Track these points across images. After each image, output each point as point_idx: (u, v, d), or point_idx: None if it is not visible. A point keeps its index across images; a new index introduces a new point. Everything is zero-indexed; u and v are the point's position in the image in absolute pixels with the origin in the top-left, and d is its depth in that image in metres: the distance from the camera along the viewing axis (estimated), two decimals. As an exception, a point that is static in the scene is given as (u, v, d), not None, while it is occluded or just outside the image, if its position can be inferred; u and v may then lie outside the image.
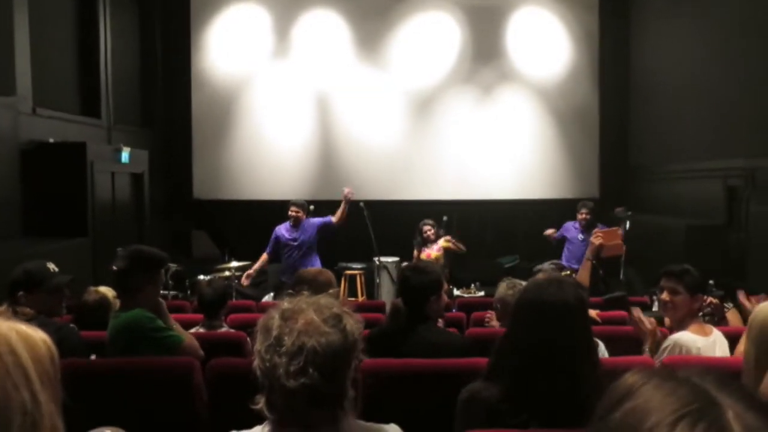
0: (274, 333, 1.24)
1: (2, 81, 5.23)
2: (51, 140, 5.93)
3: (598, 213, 6.77)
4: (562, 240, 6.78)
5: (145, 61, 8.87)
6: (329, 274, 3.15)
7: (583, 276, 3.50)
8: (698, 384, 0.61)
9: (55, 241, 5.36)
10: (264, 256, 6.26)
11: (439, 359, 2.53)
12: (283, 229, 6.26)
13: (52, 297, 2.76)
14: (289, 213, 6.18)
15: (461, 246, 6.39)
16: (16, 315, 2.56)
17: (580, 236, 6.46)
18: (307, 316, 1.25)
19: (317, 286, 2.70)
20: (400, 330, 2.76)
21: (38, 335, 0.59)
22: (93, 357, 2.86)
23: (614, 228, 5.97)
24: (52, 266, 2.84)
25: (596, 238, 3.94)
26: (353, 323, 1.29)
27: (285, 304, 1.30)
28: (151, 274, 2.72)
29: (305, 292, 1.36)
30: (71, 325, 3.16)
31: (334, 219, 6.18)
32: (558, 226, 6.93)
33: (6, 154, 5.33)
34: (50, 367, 0.57)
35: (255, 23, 9.23)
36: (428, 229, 6.35)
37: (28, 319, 2.39)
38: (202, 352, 2.74)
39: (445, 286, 2.93)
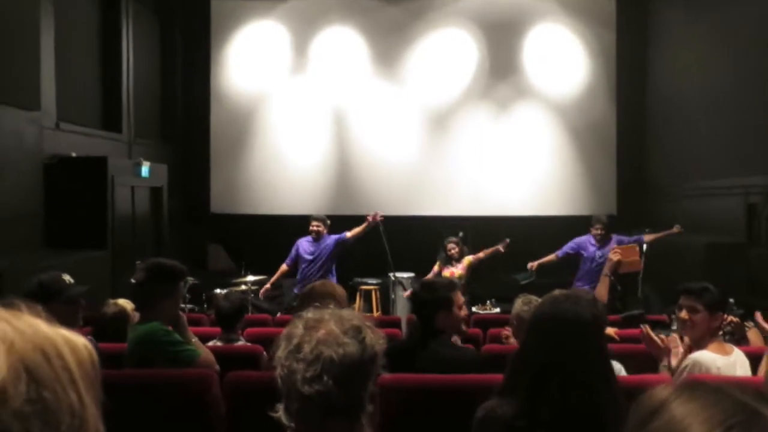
0: (295, 341, 1.27)
1: (27, 96, 5.35)
2: (73, 154, 6.05)
3: (615, 230, 6.62)
4: (576, 256, 6.49)
5: (166, 77, 9.04)
6: (331, 286, 2.92)
7: (602, 292, 3.48)
8: (738, 396, 0.60)
9: (75, 253, 5.44)
10: (283, 267, 6.35)
11: (455, 375, 2.52)
12: (304, 242, 6.31)
13: (68, 308, 2.71)
14: (311, 228, 6.22)
15: (489, 251, 6.30)
16: None
17: (599, 253, 6.24)
18: (328, 326, 1.28)
19: (319, 297, 2.58)
20: (415, 345, 2.77)
21: (80, 340, 0.60)
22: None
23: (632, 245, 5.92)
24: (67, 277, 2.82)
25: (614, 254, 3.91)
26: (373, 336, 1.30)
27: (309, 314, 1.32)
28: (169, 287, 2.72)
29: (331, 305, 1.38)
30: (89, 337, 3.19)
31: (348, 234, 6.19)
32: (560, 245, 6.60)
33: (30, 167, 5.44)
34: (92, 371, 0.58)
35: (273, 40, 9.35)
36: (452, 247, 6.25)
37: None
38: (218, 367, 2.71)
39: (461, 299, 2.92)
